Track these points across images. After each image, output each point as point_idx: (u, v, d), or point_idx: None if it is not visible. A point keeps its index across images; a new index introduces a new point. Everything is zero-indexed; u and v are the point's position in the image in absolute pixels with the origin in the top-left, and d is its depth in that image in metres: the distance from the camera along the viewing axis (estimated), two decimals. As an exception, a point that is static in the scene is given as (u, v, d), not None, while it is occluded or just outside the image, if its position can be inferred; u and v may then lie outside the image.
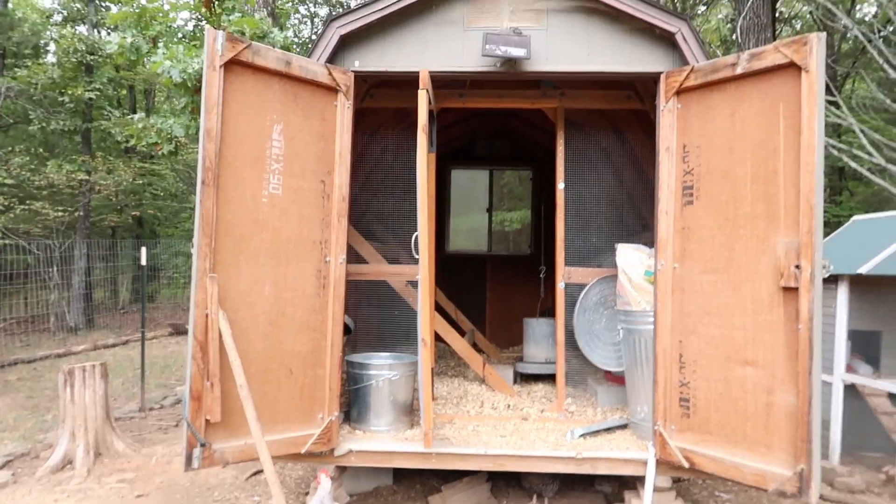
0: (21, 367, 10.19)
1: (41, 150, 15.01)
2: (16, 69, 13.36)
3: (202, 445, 3.57)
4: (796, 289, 3.38)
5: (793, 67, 3.45)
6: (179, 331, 13.84)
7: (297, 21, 20.54)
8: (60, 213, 13.53)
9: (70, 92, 13.12)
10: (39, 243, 12.83)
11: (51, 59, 16.04)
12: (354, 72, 4.26)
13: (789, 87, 3.49)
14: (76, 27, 15.31)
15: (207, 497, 4.95)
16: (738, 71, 3.68)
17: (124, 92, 18.15)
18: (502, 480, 4.90)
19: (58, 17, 15.97)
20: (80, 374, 5.82)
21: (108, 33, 14.26)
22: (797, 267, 3.38)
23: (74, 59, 13.05)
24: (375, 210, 6.12)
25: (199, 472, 5.43)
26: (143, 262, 7.88)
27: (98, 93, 13.73)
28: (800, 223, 3.39)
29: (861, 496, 4.82)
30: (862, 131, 9.18)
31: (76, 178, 13.74)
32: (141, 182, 15.98)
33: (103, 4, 15.56)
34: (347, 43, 4.28)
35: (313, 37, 20.82)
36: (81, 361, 5.92)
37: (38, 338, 12.48)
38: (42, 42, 15.93)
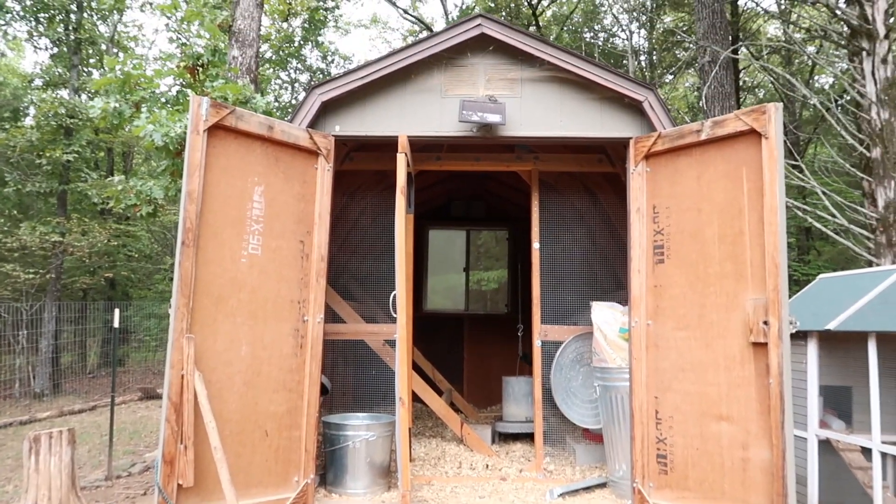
0: (-17, 434, 9.82)
1: (15, 211, 14.89)
2: (-6, 131, 13.38)
3: (174, 511, 3.48)
4: (766, 344, 3.47)
5: (753, 134, 3.64)
6: (150, 395, 13.50)
7: (277, 86, 20.99)
8: (31, 276, 13.31)
9: (48, 154, 13.14)
10: (8, 306, 12.58)
11: (29, 121, 16.11)
12: (335, 136, 4.38)
13: (751, 152, 3.67)
14: (57, 91, 15.45)
15: (177, 568, 4.76)
16: (703, 137, 3.87)
17: (102, 154, 18.21)
18: (482, 544, 4.80)
19: (38, 82, 16.13)
20: (47, 441, 5.63)
21: (90, 98, 14.43)
22: (765, 323, 3.48)
23: (54, 123, 13.12)
24: (353, 270, 6.16)
25: (168, 541, 5.24)
26: (116, 324, 7.75)
27: (76, 155, 13.77)
28: (766, 281, 3.51)
29: (841, 554, 4.80)
30: (825, 193, 9.55)
31: (49, 240, 13.60)
32: (115, 243, 15.86)
33: (85, 70, 15.80)
34: (329, 108, 4.42)
35: (293, 101, 21.25)
36: (46, 428, 5.74)
37: (0, 404, 12.08)
38: (22, 105, 16.03)
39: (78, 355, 15.65)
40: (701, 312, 3.79)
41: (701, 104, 12.68)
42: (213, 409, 3.57)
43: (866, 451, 5.05)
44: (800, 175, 10.03)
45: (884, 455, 4.97)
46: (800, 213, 9.97)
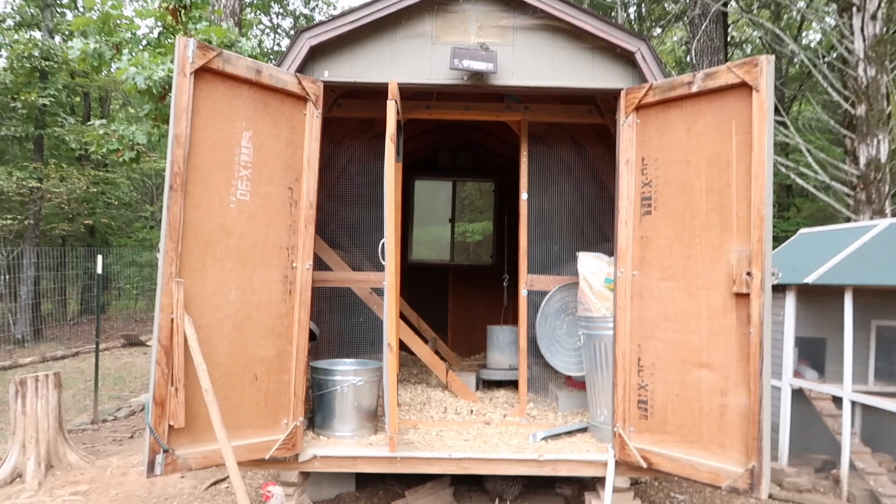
0: (-35, 379, 9.82)
1: (-10, 156, 14.57)
2: (-35, 73, 12.97)
3: (165, 451, 3.54)
4: (748, 294, 3.55)
5: (744, 87, 3.65)
6: (133, 342, 13.52)
7: (259, 32, 20.48)
8: (9, 221, 13.12)
9: (23, 98, 12.79)
10: (-14, 252, 12.43)
11: (2, 63, 15.61)
12: (324, 82, 4.32)
13: (741, 105, 3.68)
14: (30, 32, 14.94)
15: (166, 507, 4.87)
16: (694, 89, 3.87)
17: (79, 99, 17.77)
18: (465, 485, 4.95)
19: (10, 22, 15.57)
20: (33, 385, 5.67)
21: (65, 40, 13.99)
22: (748, 274, 3.55)
23: (28, 65, 12.73)
24: (340, 219, 6.15)
25: (156, 482, 5.35)
26: (100, 270, 7.72)
27: (52, 99, 13.42)
28: (751, 233, 3.57)
29: (808, 495, 5.03)
30: (808, 150, 9.63)
31: (27, 186, 13.36)
32: (94, 190, 15.62)
33: (58, 10, 15.26)
34: (317, 53, 4.34)
35: (276, 48, 20.77)
36: (30, 374, 5.77)
37: (-19, 350, 12.05)
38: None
39: (58, 302, 15.57)
40: (686, 263, 3.86)
41: (689, 58, 12.60)
42: (203, 353, 3.60)
43: (837, 400, 5.25)
44: (784, 131, 10.08)
45: (854, 403, 5.17)
46: (782, 170, 10.07)
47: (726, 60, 11.56)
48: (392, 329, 4.14)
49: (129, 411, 8.04)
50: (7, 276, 12.57)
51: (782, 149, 12.92)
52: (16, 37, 13.42)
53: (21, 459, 5.54)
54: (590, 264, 4.61)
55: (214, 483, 5.29)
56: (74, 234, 17.48)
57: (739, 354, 3.59)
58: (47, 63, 13.15)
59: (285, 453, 4.05)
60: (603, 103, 5.03)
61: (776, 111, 11.21)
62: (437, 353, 6.41)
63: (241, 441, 3.84)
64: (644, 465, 3.93)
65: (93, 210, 16.82)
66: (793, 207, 15.82)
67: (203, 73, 3.71)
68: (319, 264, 5.24)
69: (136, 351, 12.96)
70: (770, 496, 5.01)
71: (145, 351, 12.66)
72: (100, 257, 7.70)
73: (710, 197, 3.78)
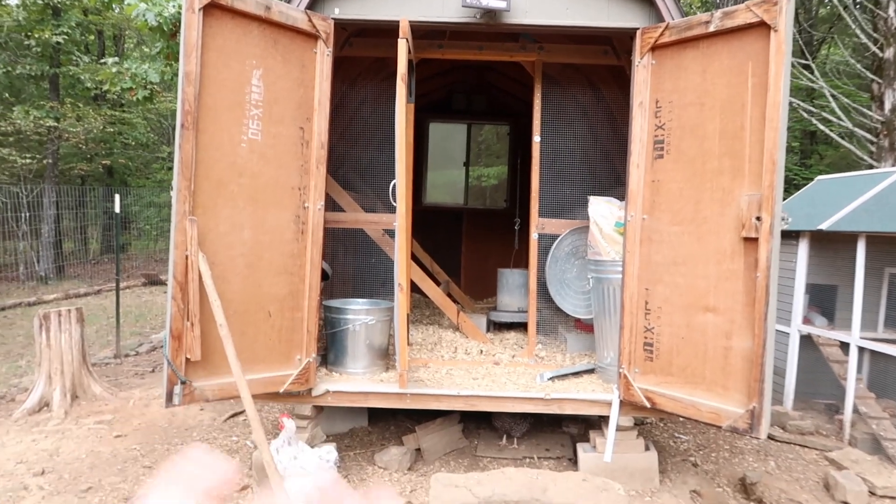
0: (-8, 314, 10.14)
1: (7, 94, 14.59)
2: (-22, 10, 12.88)
3: (183, 383, 3.67)
4: (756, 239, 3.55)
5: (763, 27, 3.55)
6: (152, 281, 13.80)
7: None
8: (28, 160, 13.25)
9: (37, 35, 12.72)
10: (7, 191, 12.60)
11: (14, 0, 15.46)
12: (334, 19, 4.26)
13: (759, 46, 3.59)
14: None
15: (186, 437, 5.08)
16: (711, 29, 3.77)
17: (92, 38, 17.62)
18: (473, 422, 5.10)
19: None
20: (56, 319, 5.85)
21: (76, -26, 13.78)
22: (758, 219, 3.54)
23: (41, 2, 12.61)
24: (352, 160, 6.16)
25: (176, 413, 5.56)
26: (118, 209, 7.83)
27: (66, 37, 13.33)
28: (762, 177, 3.54)
29: (811, 437, 5.12)
30: (833, 96, 9.38)
31: (44, 125, 13.43)
32: (111, 130, 15.67)
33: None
34: (327, -11, 4.26)
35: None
36: (53, 309, 5.95)
37: (6, 286, 12.37)
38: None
39: (79, 241, 15.85)
40: (696, 208, 3.85)
41: (714, -2, 12.18)
42: (217, 290, 3.69)
43: (844, 347, 5.28)
44: (810, 76, 9.82)
45: (861, 349, 5.20)
46: (805, 115, 9.84)
47: (753, 0, 11.15)
48: (403, 269, 4.20)
49: (150, 347, 8.28)
50: (28, 214, 12.77)
51: (807, 94, 12.60)
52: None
53: (47, 389, 5.77)
54: (600, 208, 4.60)
55: (232, 416, 5.49)
56: (93, 174, 17.63)
57: (746, 299, 3.61)
58: (59, 0, 13.01)
59: (299, 388, 4.18)
60: (619, 43, 4.92)
61: (802, 54, 10.87)
62: (449, 295, 6.49)
63: (256, 375, 3.96)
64: (647, 404, 4.02)
65: (110, 150, 16.91)
66: (815, 155, 15.52)
67: (212, 9, 3.67)
68: (332, 205, 5.28)
69: (155, 290, 13.24)
70: (772, 438, 5.11)
71: (164, 290, 12.89)
72: (117, 196, 7.79)
73: (723, 141, 3.73)
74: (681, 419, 5.32)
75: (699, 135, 3.85)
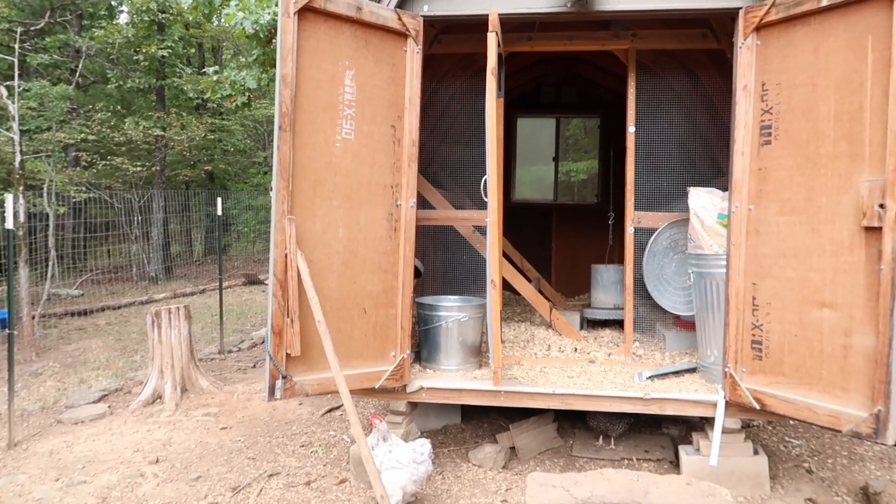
0: (109, 312, 10.88)
1: (119, 107, 15.65)
2: (93, 29, 13.87)
3: (284, 377, 3.78)
4: (880, 228, 3.27)
5: (884, -4, 3.27)
6: (252, 281, 14.41)
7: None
8: (139, 168, 14.16)
9: (144, 50, 13.57)
10: (121, 197, 13.50)
11: (124, 18, 16.56)
12: (423, 16, 4.27)
13: (879, 17, 3.31)
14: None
15: (286, 430, 5.24)
16: (824, 3, 3.51)
17: (193, 50, 18.62)
18: (568, 421, 5.00)
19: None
20: (167, 316, 6.19)
21: (178, -9, 14.57)
22: (881, 206, 3.26)
23: (147, 18, 13.45)
24: (441, 158, 6.17)
25: (277, 407, 5.75)
26: (220, 211, 8.22)
27: (170, 50, 14.16)
28: (886, 161, 3.26)
29: (941, 446, 4.70)
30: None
31: (152, 135, 14.32)
32: (212, 137, 16.51)
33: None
34: (416, -13, 4.28)
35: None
36: (164, 307, 6.30)
37: (122, 287, 13.25)
38: (114, 2, 16.45)
39: (185, 243, 16.80)
40: (808, 196, 3.59)
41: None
42: (314, 287, 3.78)
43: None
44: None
45: None
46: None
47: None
48: (495, 266, 4.16)
49: (251, 343, 8.64)
50: (140, 218, 13.64)
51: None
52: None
53: (160, 383, 6.12)
54: (701, 199, 4.39)
55: (329, 411, 5.63)
56: (196, 179, 18.63)
57: (867, 293, 3.33)
58: (164, 15, 13.83)
59: (394, 384, 4.22)
60: (718, 26, 4.68)
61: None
62: (540, 292, 6.40)
63: (352, 370, 4.03)
64: (757, 406, 3.79)
65: (211, 157, 17.81)
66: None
67: (306, 12, 3.76)
68: (422, 203, 5.31)
69: (255, 289, 13.82)
70: (897, 444, 4.72)
71: (263, 289, 13.47)
72: (220, 199, 8.18)
73: (839, 123, 3.47)
74: (792, 422, 5.01)
75: (812, 117, 3.59)
